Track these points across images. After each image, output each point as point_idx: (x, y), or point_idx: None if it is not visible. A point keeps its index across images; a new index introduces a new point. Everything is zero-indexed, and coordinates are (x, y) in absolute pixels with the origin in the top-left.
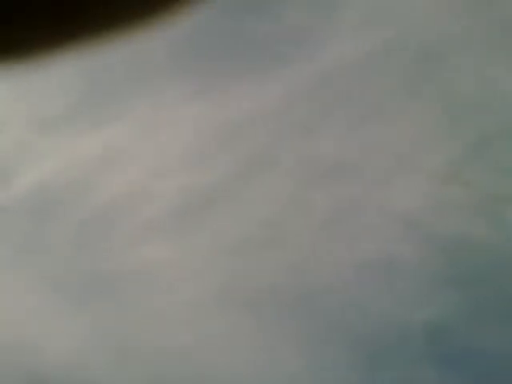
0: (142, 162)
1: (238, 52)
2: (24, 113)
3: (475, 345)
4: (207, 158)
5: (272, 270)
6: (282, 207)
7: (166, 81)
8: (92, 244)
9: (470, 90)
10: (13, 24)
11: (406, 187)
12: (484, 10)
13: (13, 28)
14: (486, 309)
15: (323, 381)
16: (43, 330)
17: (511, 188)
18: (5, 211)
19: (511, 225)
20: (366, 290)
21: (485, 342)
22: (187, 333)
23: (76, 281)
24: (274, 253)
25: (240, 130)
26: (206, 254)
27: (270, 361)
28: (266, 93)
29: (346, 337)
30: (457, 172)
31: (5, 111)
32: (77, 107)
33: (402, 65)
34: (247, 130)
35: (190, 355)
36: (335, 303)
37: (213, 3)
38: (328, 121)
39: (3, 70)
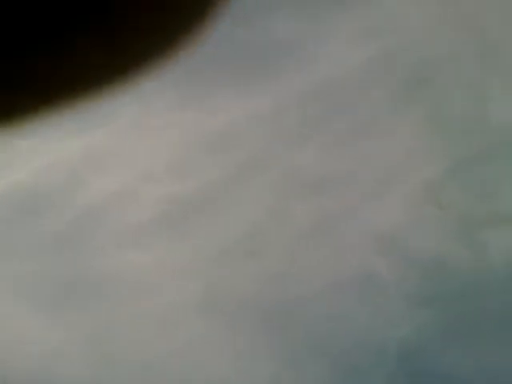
0: (128, 165)
1: (228, 62)
2: None
3: (448, 364)
4: (193, 165)
5: (252, 280)
6: (265, 218)
7: (155, 86)
8: (74, 247)
9: (455, 112)
10: None
11: (386, 205)
12: (475, 32)
13: None
14: (461, 329)
15: None
16: (18, 334)
17: (488, 211)
18: None
19: (487, 248)
20: (343, 305)
21: (458, 362)
22: (165, 339)
23: (56, 284)
24: (254, 263)
25: (227, 139)
26: (188, 261)
27: (244, 370)
28: (254, 103)
29: (320, 351)
30: (435, 193)
31: None
32: (63, 108)
33: (392, 82)
34: (234, 140)
35: (166, 362)
36: (311, 317)
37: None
38: (314, 134)
39: None
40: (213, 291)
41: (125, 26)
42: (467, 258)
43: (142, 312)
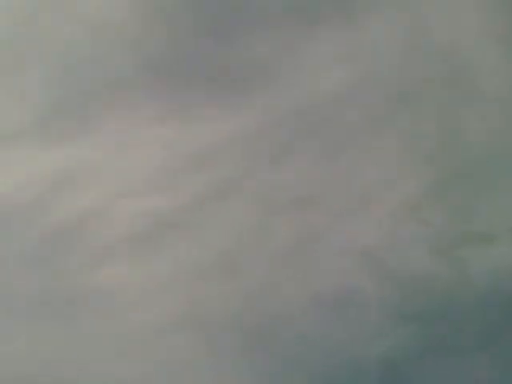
0: (106, 180)
1: (212, 79)
2: None
3: (428, 380)
4: (172, 181)
5: (231, 297)
6: (244, 235)
7: (137, 101)
8: (49, 262)
9: (432, 132)
10: None
11: (365, 222)
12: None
13: None
14: (440, 346)
15: None
16: None
17: (466, 229)
18: None
19: (465, 265)
20: (323, 323)
21: (437, 378)
22: (140, 357)
23: (30, 298)
24: (233, 280)
25: (206, 157)
26: (166, 278)
27: None
28: (234, 122)
29: (300, 368)
30: (414, 211)
31: None
32: (42, 121)
33: (368, 104)
34: (213, 157)
35: (141, 381)
36: (292, 334)
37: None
38: (293, 153)
39: None
40: (191, 308)
41: None
42: (446, 276)
43: (117, 329)
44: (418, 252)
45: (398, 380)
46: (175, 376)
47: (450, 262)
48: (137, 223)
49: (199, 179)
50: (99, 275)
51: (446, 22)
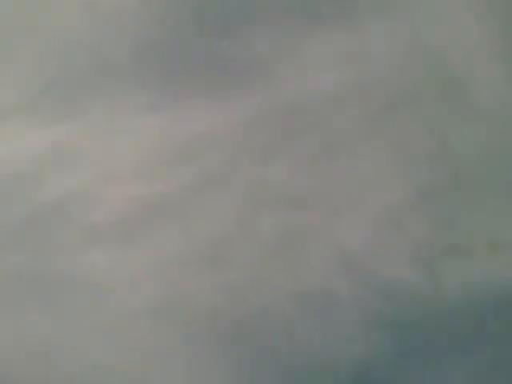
0: (94, 164)
1: (204, 70)
2: None
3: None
4: (160, 170)
5: (211, 289)
6: (230, 228)
7: (130, 87)
8: (31, 243)
9: (419, 141)
10: None
11: (350, 225)
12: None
13: None
14: (413, 353)
15: None
16: None
17: (447, 241)
18: None
19: (443, 277)
20: (300, 321)
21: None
22: (115, 342)
23: (6, 280)
24: (215, 272)
25: (197, 147)
26: (148, 265)
27: (196, 381)
28: (226, 114)
29: (273, 365)
30: (398, 219)
31: None
32: (34, 99)
33: (363, 107)
34: (204, 148)
35: (113, 366)
36: (268, 330)
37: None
38: (284, 150)
39: None
40: (170, 297)
41: None
42: (424, 286)
43: (96, 313)
44: (399, 260)
45: (365, 382)
46: (146, 364)
47: (428, 272)
48: (123, 209)
49: (188, 169)
50: (83, 258)
51: (446, 28)
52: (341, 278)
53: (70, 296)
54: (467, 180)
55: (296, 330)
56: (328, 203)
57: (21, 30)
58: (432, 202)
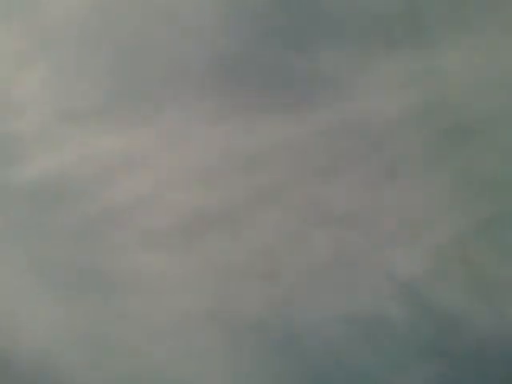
0: (158, 170)
1: (273, 85)
2: (50, 101)
3: None
4: (220, 180)
5: (259, 301)
6: (282, 242)
7: (200, 98)
8: (91, 241)
9: (488, 171)
10: None
11: (408, 251)
12: None
13: None
14: None
15: None
16: (23, 312)
17: (510, 270)
18: (14, 193)
19: (505, 311)
20: (348, 342)
21: None
22: (163, 345)
23: (67, 273)
24: (264, 285)
25: (258, 161)
26: (200, 273)
27: None
28: (290, 129)
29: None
30: (461, 249)
31: (32, 98)
32: (107, 105)
33: (429, 131)
34: (265, 162)
35: (160, 368)
36: (313, 348)
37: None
38: (343, 169)
39: None
40: (219, 306)
41: None
42: (484, 318)
43: (146, 314)
44: (459, 290)
45: None
46: (192, 368)
47: (490, 304)
48: (180, 216)
49: (247, 182)
50: (141, 259)
51: None
52: (395, 305)
53: (121, 294)
54: None
55: (343, 351)
56: (386, 227)
57: (100, 37)
58: (496, 232)
